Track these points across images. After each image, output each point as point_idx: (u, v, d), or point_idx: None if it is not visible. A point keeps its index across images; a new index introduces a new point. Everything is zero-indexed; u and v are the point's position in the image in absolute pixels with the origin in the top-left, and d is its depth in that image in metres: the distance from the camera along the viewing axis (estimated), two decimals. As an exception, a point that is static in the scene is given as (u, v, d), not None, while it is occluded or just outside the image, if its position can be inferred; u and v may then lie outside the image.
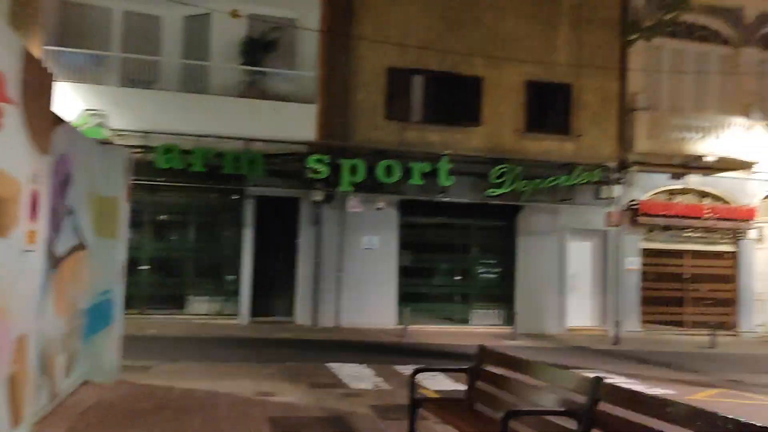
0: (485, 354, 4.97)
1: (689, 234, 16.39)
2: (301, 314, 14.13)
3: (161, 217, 13.80)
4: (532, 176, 14.73)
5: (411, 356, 11.22)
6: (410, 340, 13.02)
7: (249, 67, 13.74)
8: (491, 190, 14.55)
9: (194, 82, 13.51)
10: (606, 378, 4.26)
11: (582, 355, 12.39)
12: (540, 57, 15.40)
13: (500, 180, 14.55)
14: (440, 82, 15.01)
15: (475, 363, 4.93)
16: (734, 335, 15.99)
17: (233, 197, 14.11)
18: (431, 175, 14.27)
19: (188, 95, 13.35)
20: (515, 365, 4.70)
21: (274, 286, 14.69)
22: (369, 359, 10.24)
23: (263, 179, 13.69)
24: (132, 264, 13.91)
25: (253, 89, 13.69)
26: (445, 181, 14.24)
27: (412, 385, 5.08)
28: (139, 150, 13.08)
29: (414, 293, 14.76)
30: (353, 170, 13.84)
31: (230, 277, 14.11)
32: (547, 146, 15.43)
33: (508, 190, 14.58)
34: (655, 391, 8.63)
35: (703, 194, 16.43)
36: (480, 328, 14.93)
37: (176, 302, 13.85)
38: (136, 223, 13.67)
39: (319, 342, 12.31)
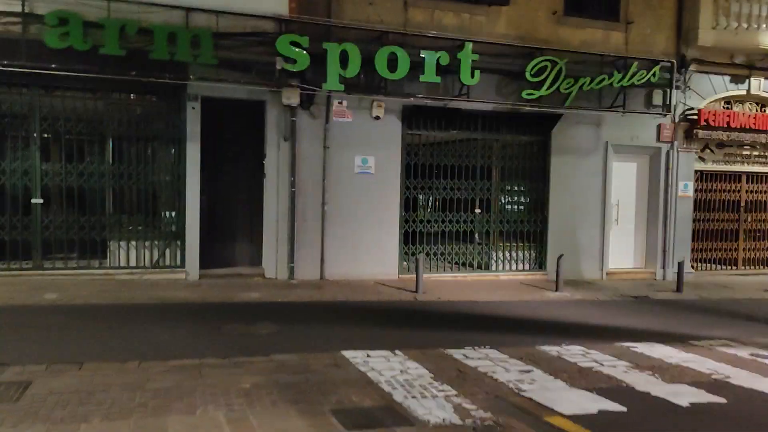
0: None
1: (747, 152, 13.31)
2: (271, 264, 10.24)
3: (60, 127, 9.31)
4: (574, 74, 11.01)
5: (448, 325, 7.69)
6: (427, 297, 9.45)
7: None
8: (528, 91, 10.76)
9: None
10: None
11: (657, 312, 9.20)
12: None
13: (539, 78, 10.77)
14: (455, -57, 10.85)
15: None
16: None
17: (169, 97, 9.75)
18: (447, 72, 10.32)
19: (91, -63, 8.69)
20: None
21: (232, 226, 10.66)
22: (392, 336, 6.65)
23: (213, 71, 9.37)
24: (18, 197, 9.59)
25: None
26: (468, 77, 10.31)
27: None
28: (15, 21, 8.51)
29: (422, 232, 11.07)
30: (343, 60, 9.69)
31: (169, 214, 9.96)
32: (589, 36, 11.69)
33: (549, 91, 10.84)
34: None
35: (763, 103, 13.27)
36: (506, 275, 11.50)
37: (92, 251, 9.63)
38: (19, 137, 9.23)
39: (305, 307, 8.52)
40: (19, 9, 8.43)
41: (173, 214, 9.93)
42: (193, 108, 9.68)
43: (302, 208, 10.21)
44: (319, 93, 10.01)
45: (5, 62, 8.42)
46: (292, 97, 9.84)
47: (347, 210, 10.45)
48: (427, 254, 10.91)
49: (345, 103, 10.31)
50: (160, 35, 8.86)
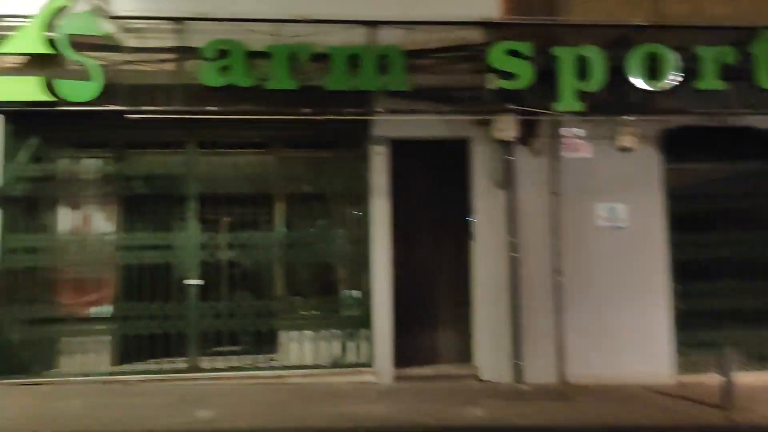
0: None
1: None
2: (488, 360, 7.35)
3: (220, 188, 7.46)
4: None
5: None
6: (749, 415, 5.93)
7: None
8: None
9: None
10: None
11: None
12: None
13: None
14: None
15: None
16: None
17: (348, 143, 7.57)
18: (727, 77, 7.08)
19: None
20: None
21: (431, 308, 7.96)
22: None
23: (404, 101, 7.08)
24: (171, 278, 7.83)
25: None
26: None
27: None
28: (168, 56, 6.90)
29: (703, 312, 7.56)
30: (581, 69, 6.92)
31: (352, 295, 7.57)
32: None
33: None
34: None
35: None
36: None
37: (259, 344, 7.49)
38: (171, 204, 7.47)
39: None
40: (172, 44, 6.80)
41: (356, 294, 7.53)
42: (379, 154, 7.40)
43: (527, 280, 7.30)
44: (544, 120, 7.26)
45: (159, 108, 6.74)
46: (506, 127, 7.18)
47: (591, 281, 7.35)
48: (714, 346, 7.30)
49: (579, 132, 7.45)
50: (338, 59, 6.78)
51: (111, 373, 7.14)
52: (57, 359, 7.18)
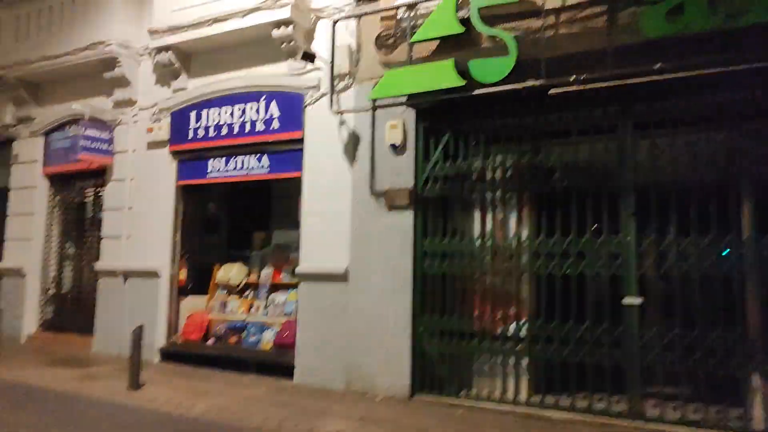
0: None
1: None
2: None
3: (663, 178, 5.58)
4: None
5: None
6: None
7: None
8: None
9: None
10: None
11: None
12: None
13: None
14: None
15: None
16: None
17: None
18: None
19: None
20: None
21: None
22: None
23: None
24: (603, 294, 6.22)
25: None
26: None
27: None
28: (593, 10, 5.52)
29: None
30: None
31: None
32: None
33: None
34: None
35: None
36: None
37: (722, 389, 5.38)
38: (600, 201, 5.95)
39: None
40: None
41: None
42: None
43: None
44: None
45: (582, 78, 5.36)
46: None
47: None
48: None
49: None
50: None
51: (529, 404, 6.00)
52: (470, 379, 6.40)
